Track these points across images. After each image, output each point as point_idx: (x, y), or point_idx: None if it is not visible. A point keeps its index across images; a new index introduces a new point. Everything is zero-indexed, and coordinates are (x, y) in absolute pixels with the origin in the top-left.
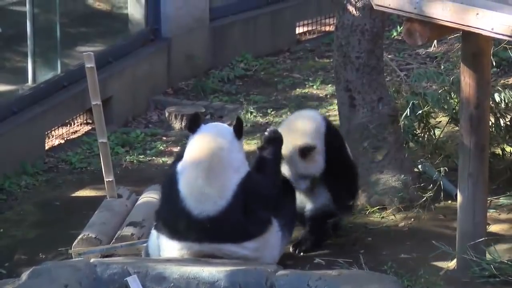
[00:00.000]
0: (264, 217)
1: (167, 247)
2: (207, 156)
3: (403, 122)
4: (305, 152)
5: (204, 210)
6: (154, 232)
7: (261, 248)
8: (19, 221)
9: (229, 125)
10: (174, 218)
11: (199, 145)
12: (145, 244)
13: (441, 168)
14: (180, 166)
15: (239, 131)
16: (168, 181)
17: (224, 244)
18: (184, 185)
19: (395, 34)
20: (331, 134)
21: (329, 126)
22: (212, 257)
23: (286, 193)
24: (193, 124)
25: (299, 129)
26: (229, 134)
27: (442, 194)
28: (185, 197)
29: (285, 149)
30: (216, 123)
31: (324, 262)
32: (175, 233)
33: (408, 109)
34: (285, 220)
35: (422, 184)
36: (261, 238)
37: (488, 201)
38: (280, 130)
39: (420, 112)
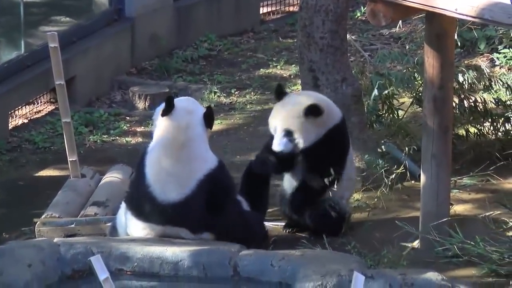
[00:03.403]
0: (231, 209)
1: (132, 224)
2: (175, 146)
3: (367, 102)
4: (312, 111)
5: (166, 198)
6: (123, 207)
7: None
8: None
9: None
10: (140, 201)
11: (168, 131)
12: (108, 224)
13: (406, 148)
14: (149, 148)
15: (210, 122)
16: (138, 163)
17: (185, 230)
18: (151, 171)
19: (359, 14)
20: (343, 125)
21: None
22: (176, 238)
23: (259, 183)
24: (168, 107)
25: (311, 95)
26: (201, 124)
27: (408, 174)
28: (151, 183)
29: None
30: (188, 107)
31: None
32: (140, 214)
33: (375, 90)
34: (256, 209)
35: (386, 165)
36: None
37: (452, 182)
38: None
39: (385, 92)
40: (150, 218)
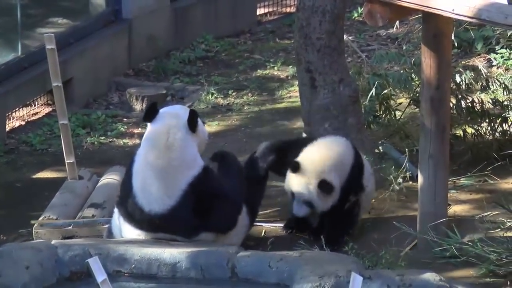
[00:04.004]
0: (223, 211)
1: (126, 229)
2: (158, 156)
3: (364, 103)
4: (323, 188)
5: (153, 208)
6: (116, 211)
7: (218, 239)
8: None
9: (189, 106)
10: (129, 209)
11: (152, 140)
12: (106, 226)
13: (406, 149)
14: (136, 156)
15: (193, 125)
16: (126, 170)
17: (177, 236)
18: (136, 180)
19: (356, 15)
20: (356, 168)
21: (357, 157)
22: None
23: (253, 182)
24: (149, 114)
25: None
26: (184, 128)
27: (407, 175)
28: (137, 194)
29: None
30: (172, 111)
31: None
32: (131, 221)
33: (373, 89)
34: (249, 207)
35: (383, 165)
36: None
37: (450, 182)
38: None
39: (384, 92)
40: (142, 226)
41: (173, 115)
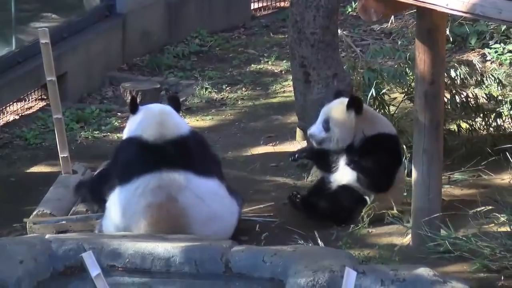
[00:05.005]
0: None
1: (122, 195)
2: (157, 113)
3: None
4: (356, 103)
5: (163, 137)
6: (110, 206)
7: (220, 195)
8: None
9: (183, 101)
10: (135, 156)
11: (147, 112)
12: (99, 220)
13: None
14: (127, 136)
15: (176, 105)
16: (127, 141)
17: (185, 171)
18: (143, 130)
19: (350, 10)
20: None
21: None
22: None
23: None
24: (134, 105)
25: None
26: (171, 109)
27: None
28: (144, 135)
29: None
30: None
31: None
32: (133, 170)
33: (373, 89)
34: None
35: None
36: (217, 182)
37: (444, 177)
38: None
39: (382, 92)
40: (146, 166)
41: (156, 104)
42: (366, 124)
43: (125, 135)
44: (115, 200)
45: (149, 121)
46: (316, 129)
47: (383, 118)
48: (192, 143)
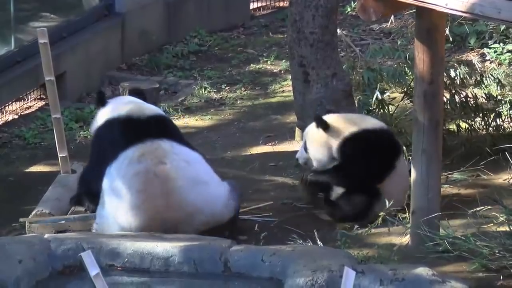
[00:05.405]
0: None
1: (110, 174)
2: (128, 100)
3: (358, 97)
4: (317, 121)
5: (144, 113)
6: (105, 203)
7: (204, 165)
8: None
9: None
10: (118, 134)
11: (117, 101)
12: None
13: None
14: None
15: (142, 98)
16: (105, 125)
17: (169, 140)
18: (120, 112)
19: (349, 9)
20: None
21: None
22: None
23: None
24: (102, 99)
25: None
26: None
27: None
28: (123, 114)
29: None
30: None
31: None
32: (118, 147)
33: (377, 92)
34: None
35: None
36: (202, 156)
37: (443, 177)
38: None
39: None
40: (130, 140)
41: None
42: (344, 131)
43: (98, 122)
44: (106, 182)
45: (123, 105)
46: (299, 152)
47: (365, 117)
48: (171, 122)
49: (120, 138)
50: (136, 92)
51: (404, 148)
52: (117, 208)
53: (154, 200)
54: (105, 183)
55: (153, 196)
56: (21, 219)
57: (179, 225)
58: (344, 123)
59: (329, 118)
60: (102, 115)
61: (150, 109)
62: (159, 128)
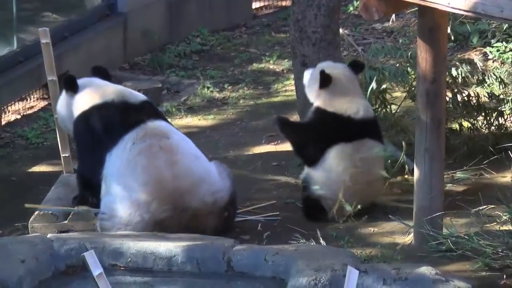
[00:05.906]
0: None
1: (113, 159)
2: (104, 83)
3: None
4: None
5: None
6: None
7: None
8: None
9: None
10: (114, 119)
11: (94, 84)
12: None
13: (403, 143)
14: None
15: (107, 76)
16: (96, 111)
17: (166, 123)
18: (107, 97)
19: (351, 8)
20: None
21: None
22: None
23: None
24: (73, 84)
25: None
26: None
27: (406, 169)
28: (117, 99)
29: None
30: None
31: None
32: (116, 132)
33: (373, 83)
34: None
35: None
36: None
37: (446, 176)
38: None
39: (382, 87)
40: (130, 123)
41: (86, 78)
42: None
43: (81, 109)
44: (108, 168)
45: (106, 89)
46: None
47: (344, 99)
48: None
49: (120, 122)
50: (99, 71)
51: (404, 145)
52: (125, 188)
53: (161, 172)
54: (108, 170)
55: (159, 167)
56: (27, 204)
57: (186, 196)
58: (338, 96)
59: None
60: (84, 102)
61: (137, 93)
62: (153, 110)
